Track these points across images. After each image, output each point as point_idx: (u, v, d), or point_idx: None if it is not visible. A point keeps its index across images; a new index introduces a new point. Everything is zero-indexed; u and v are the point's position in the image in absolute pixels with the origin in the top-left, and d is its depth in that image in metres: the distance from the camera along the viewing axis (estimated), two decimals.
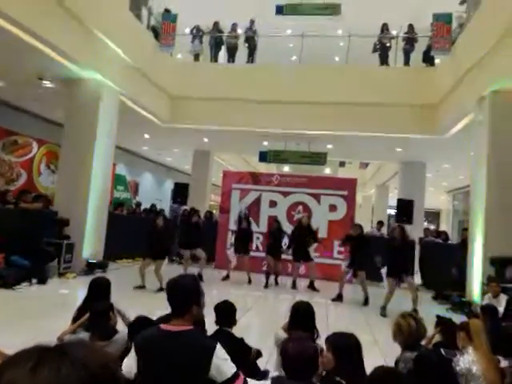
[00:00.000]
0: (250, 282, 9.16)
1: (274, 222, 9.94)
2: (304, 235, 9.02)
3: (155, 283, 7.58)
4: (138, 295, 7.15)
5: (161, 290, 7.47)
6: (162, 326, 1.99)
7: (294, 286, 9.09)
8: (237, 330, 3.44)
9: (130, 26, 9.66)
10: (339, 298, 8.07)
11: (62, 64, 7.97)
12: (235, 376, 1.86)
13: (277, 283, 9.33)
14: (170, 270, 8.21)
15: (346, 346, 2.35)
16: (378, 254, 8.11)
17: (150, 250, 7.81)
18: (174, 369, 1.86)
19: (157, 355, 1.88)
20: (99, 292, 3.56)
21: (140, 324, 2.93)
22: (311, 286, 8.99)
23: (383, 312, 7.11)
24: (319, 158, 12.28)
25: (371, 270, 9.11)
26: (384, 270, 8.26)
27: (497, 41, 7.07)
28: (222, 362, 1.86)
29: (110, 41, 8.71)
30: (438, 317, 3.92)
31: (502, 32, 6.81)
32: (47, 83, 9.19)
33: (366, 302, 7.99)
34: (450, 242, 11.34)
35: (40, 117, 12.54)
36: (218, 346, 1.90)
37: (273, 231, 9.67)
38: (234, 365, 1.89)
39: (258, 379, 3.46)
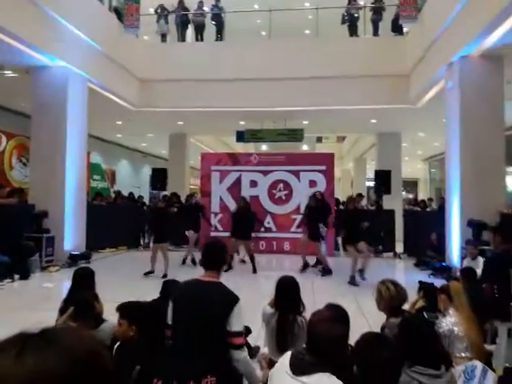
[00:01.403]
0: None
1: (240, 199, 9.13)
2: (316, 212, 8.46)
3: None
4: (127, 282, 7.09)
5: (165, 276, 7.29)
6: (199, 277, 2.33)
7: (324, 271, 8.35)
8: None
9: (90, 7, 9.29)
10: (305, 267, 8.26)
11: (22, 51, 7.61)
12: (241, 333, 2.18)
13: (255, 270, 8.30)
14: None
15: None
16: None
17: (155, 234, 7.93)
18: (203, 311, 2.14)
19: (189, 298, 2.22)
20: (83, 282, 3.52)
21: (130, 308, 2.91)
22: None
23: (353, 281, 7.24)
24: (296, 135, 12.29)
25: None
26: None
27: (462, 6, 7.10)
28: (238, 316, 2.16)
29: (71, 24, 8.38)
30: (420, 282, 4.03)
31: None
32: (9, 73, 8.83)
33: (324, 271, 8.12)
34: (428, 209, 11.61)
35: (6, 109, 12.08)
36: (240, 301, 2.22)
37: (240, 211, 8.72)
38: (243, 324, 2.21)
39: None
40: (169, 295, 2.53)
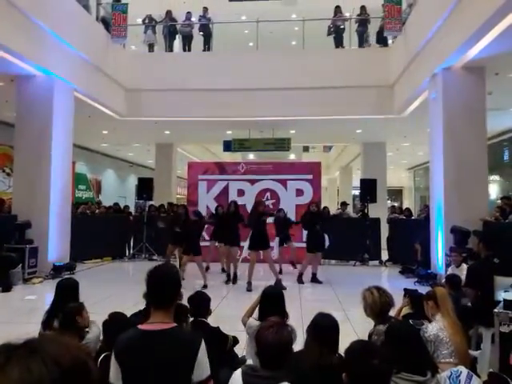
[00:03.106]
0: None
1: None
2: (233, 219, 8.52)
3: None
4: (112, 293, 7.00)
5: (205, 286, 7.34)
6: (142, 326, 1.85)
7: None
8: (214, 319, 3.44)
9: (77, 17, 9.26)
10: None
11: (7, 60, 7.53)
12: (209, 379, 1.81)
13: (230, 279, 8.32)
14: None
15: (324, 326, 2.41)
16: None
17: (191, 246, 7.79)
18: (161, 371, 1.75)
19: (141, 360, 1.76)
20: (67, 294, 3.44)
21: (115, 321, 2.88)
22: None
23: (249, 287, 7.37)
24: (283, 144, 12.38)
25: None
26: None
27: (444, 19, 7.29)
28: (203, 359, 1.79)
29: (58, 34, 8.34)
30: (405, 290, 4.07)
31: (449, 10, 7.03)
32: None
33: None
34: (413, 217, 11.75)
35: None
36: (203, 341, 1.83)
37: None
38: (208, 365, 1.84)
39: (236, 367, 3.50)
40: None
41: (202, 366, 1.78)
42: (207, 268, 9.38)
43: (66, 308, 3.03)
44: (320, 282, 8.19)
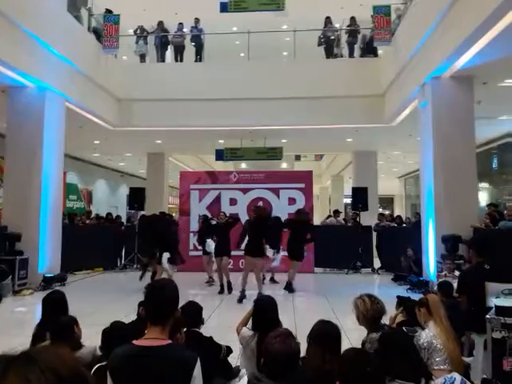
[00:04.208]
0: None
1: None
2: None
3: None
4: (105, 304, 6.92)
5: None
6: (137, 342, 1.81)
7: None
8: (207, 329, 3.43)
9: (69, 28, 9.27)
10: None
11: None
12: None
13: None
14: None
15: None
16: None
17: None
18: None
19: (135, 376, 1.74)
20: (55, 308, 3.36)
21: (115, 330, 2.84)
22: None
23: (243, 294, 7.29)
24: (275, 153, 12.44)
25: None
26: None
27: (433, 29, 7.43)
28: (199, 376, 1.77)
29: (49, 44, 8.33)
30: (399, 297, 4.09)
31: (437, 20, 7.16)
32: None
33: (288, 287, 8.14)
34: (404, 225, 11.82)
35: None
36: (198, 359, 1.80)
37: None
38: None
39: (230, 376, 3.47)
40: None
41: (199, 382, 1.75)
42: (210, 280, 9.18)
43: (63, 319, 2.99)
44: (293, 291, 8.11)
